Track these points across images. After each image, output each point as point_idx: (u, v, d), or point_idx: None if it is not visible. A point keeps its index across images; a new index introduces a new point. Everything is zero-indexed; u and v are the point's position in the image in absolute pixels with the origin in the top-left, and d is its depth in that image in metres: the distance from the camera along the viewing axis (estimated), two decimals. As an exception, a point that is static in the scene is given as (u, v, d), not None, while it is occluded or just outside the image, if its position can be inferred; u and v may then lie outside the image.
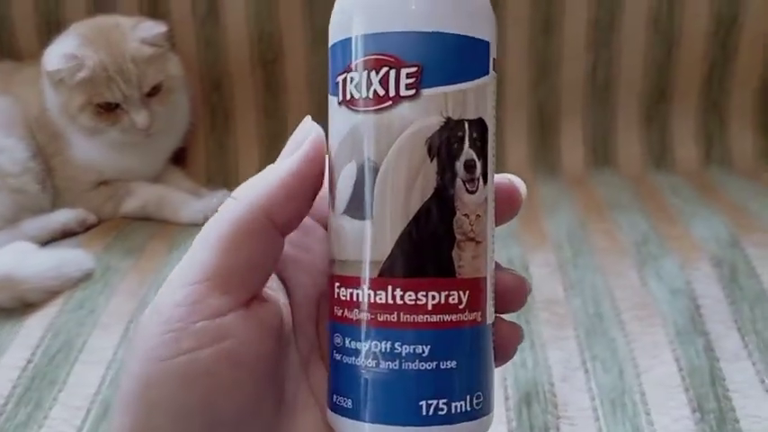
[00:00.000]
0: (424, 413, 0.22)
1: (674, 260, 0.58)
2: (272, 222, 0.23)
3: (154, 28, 0.72)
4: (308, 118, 0.25)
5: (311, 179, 0.24)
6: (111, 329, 0.55)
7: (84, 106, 0.70)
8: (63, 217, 0.72)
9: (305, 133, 0.24)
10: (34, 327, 0.55)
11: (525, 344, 0.51)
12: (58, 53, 0.69)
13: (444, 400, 0.23)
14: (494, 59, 0.24)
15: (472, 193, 0.23)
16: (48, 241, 0.69)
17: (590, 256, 0.60)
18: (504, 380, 0.48)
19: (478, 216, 0.23)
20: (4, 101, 0.75)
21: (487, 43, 0.23)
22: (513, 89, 0.82)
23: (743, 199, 0.69)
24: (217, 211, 0.23)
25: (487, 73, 0.23)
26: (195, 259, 0.23)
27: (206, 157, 0.84)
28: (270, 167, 0.24)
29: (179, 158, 0.83)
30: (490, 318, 0.24)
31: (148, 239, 0.69)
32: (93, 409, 0.48)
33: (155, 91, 0.72)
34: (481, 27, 0.23)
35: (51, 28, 0.80)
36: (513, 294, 0.26)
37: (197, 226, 0.71)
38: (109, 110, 0.71)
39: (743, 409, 0.45)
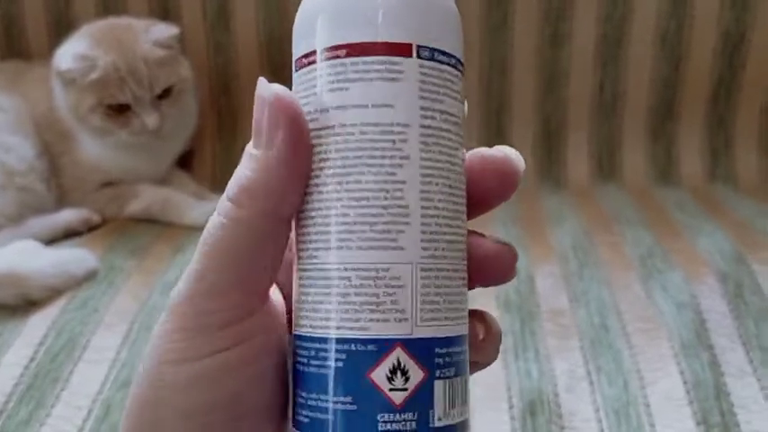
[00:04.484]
0: None
1: (680, 274, 0.58)
2: (280, 219, 0.23)
3: (166, 30, 0.72)
4: (263, 80, 0.22)
5: (305, 160, 0.22)
6: (115, 329, 0.55)
7: (95, 107, 0.70)
8: (67, 216, 0.72)
9: (275, 106, 0.22)
10: (37, 325, 0.55)
11: (530, 354, 0.51)
12: (70, 53, 0.70)
13: None
14: (329, 48, 0.22)
15: None
16: (52, 240, 0.69)
17: (595, 268, 0.60)
18: (508, 389, 0.48)
19: None
20: (11, 100, 0.75)
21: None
22: (520, 102, 0.82)
23: (748, 216, 0.70)
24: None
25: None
26: (209, 268, 0.22)
27: (212, 160, 0.84)
28: (259, 157, 0.22)
29: (185, 161, 0.83)
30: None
31: (153, 241, 0.69)
32: (96, 409, 0.48)
33: (166, 93, 0.72)
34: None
35: (61, 28, 0.81)
36: (496, 262, 0.24)
37: (202, 229, 0.71)
38: (119, 111, 0.71)
39: (747, 423, 0.45)
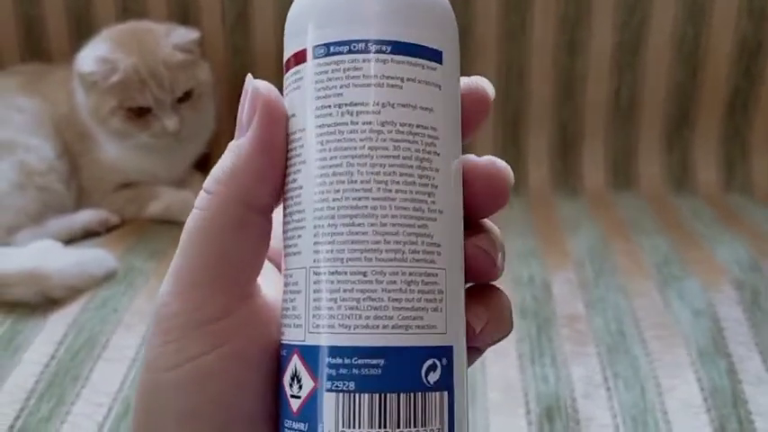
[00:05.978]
0: None
1: (696, 282, 0.58)
2: (252, 209, 0.22)
3: (187, 34, 0.73)
4: (250, 77, 0.22)
5: (277, 146, 0.22)
6: (134, 329, 0.55)
7: (116, 110, 0.71)
8: (86, 217, 0.73)
9: (253, 97, 0.22)
10: (58, 323, 0.56)
11: (547, 359, 0.51)
12: (91, 56, 0.71)
13: None
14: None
15: None
16: (70, 240, 0.70)
17: (611, 275, 0.61)
18: (525, 394, 0.48)
19: None
20: (32, 101, 0.76)
21: None
22: (536, 109, 0.82)
23: (764, 224, 0.70)
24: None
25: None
26: (185, 264, 0.22)
27: (229, 163, 0.85)
28: (233, 146, 0.22)
29: (203, 164, 0.84)
30: None
31: (172, 243, 0.69)
32: (115, 407, 0.48)
33: (186, 96, 0.73)
34: None
35: (82, 31, 0.82)
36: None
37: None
38: (140, 114, 0.72)
39: (765, 431, 0.45)
